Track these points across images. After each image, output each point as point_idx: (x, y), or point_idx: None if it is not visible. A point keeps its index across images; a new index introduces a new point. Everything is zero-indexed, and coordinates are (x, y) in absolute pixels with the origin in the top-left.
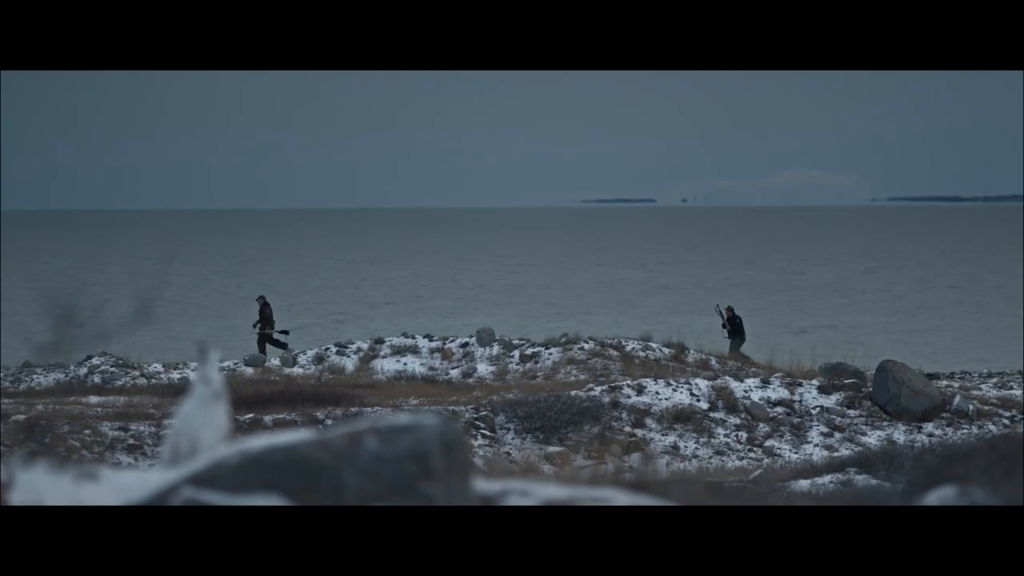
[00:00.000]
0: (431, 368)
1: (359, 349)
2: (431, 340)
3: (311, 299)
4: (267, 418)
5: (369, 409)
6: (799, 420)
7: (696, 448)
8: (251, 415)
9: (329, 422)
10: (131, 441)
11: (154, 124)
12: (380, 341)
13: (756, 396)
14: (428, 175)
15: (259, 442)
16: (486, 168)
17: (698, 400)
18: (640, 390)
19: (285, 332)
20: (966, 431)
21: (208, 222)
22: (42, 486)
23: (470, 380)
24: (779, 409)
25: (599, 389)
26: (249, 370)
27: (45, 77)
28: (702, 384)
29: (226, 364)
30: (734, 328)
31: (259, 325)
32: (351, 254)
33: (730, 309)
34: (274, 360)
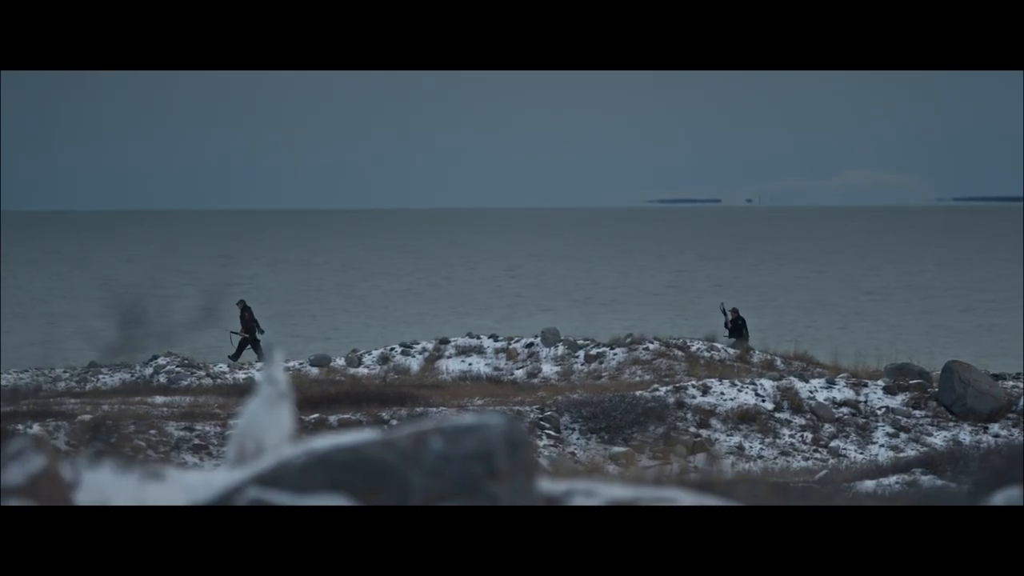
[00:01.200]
0: (496, 368)
1: (424, 349)
2: (496, 340)
3: (386, 300)
4: (332, 418)
5: (434, 409)
6: (864, 421)
7: (761, 449)
8: (316, 415)
9: (394, 422)
10: (196, 441)
11: (168, 124)
12: (445, 341)
13: (821, 396)
14: (490, 175)
15: (324, 442)
16: (548, 168)
17: (763, 400)
18: (705, 390)
19: (261, 331)
20: None
21: (236, 222)
22: (108, 486)
23: (535, 380)
24: (844, 410)
25: (664, 389)
26: (314, 370)
27: (56, 77)
28: (767, 384)
29: (291, 364)
30: (735, 329)
31: (239, 329)
32: (420, 253)
33: (735, 311)
34: (339, 360)
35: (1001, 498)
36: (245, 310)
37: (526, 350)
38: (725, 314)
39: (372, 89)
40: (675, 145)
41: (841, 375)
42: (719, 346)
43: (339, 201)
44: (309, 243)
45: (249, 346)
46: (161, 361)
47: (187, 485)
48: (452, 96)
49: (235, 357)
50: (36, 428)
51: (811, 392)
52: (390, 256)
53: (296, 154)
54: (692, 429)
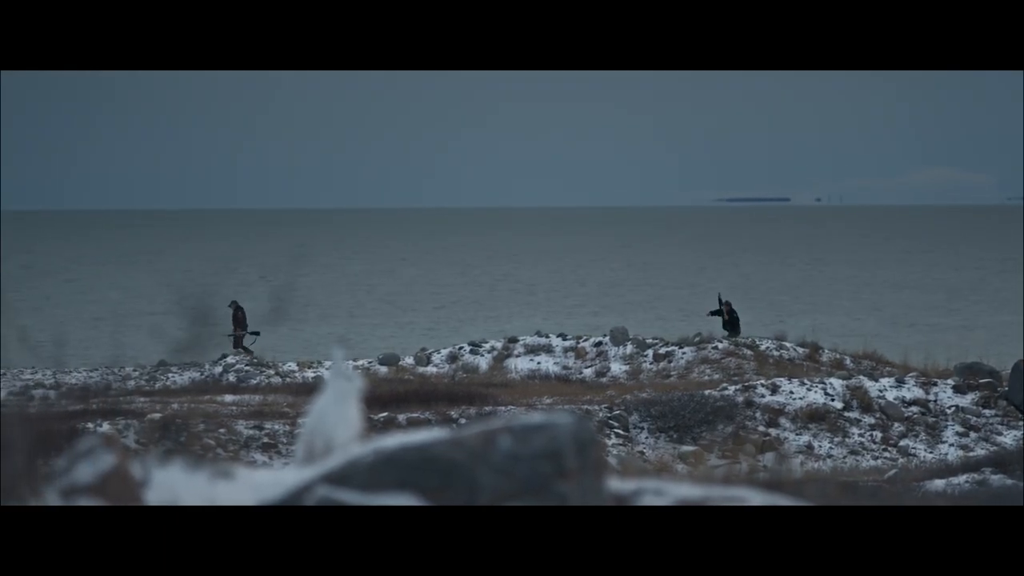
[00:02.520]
0: (565, 367)
1: (493, 348)
2: (565, 339)
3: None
4: (401, 417)
5: (503, 408)
6: (934, 420)
7: (830, 448)
8: (385, 414)
9: (463, 421)
10: (265, 439)
11: (183, 123)
12: (514, 340)
13: (891, 396)
14: (564, 174)
15: (393, 441)
16: (618, 167)
17: (832, 399)
18: (774, 389)
19: (256, 333)
20: None
21: (267, 222)
22: (177, 484)
23: (604, 379)
24: (914, 409)
25: (733, 388)
26: (383, 369)
27: (56, 78)
28: (836, 383)
29: (360, 363)
30: (730, 323)
31: (233, 329)
32: (492, 253)
33: (728, 303)
34: (408, 359)
35: None
36: (238, 310)
37: (595, 349)
38: (721, 306)
39: (433, 87)
40: (742, 144)
41: (911, 374)
42: (788, 345)
43: (380, 200)
44: (363, 241)
45: (239, 345)
46: (230, 360)
47: (256, 484)
48: (517, 95)
49: (244, 349)
50: (106, 427)
51: (880, 391)
52: (470, 253)
53: (310, 154)
54: (761, 428)
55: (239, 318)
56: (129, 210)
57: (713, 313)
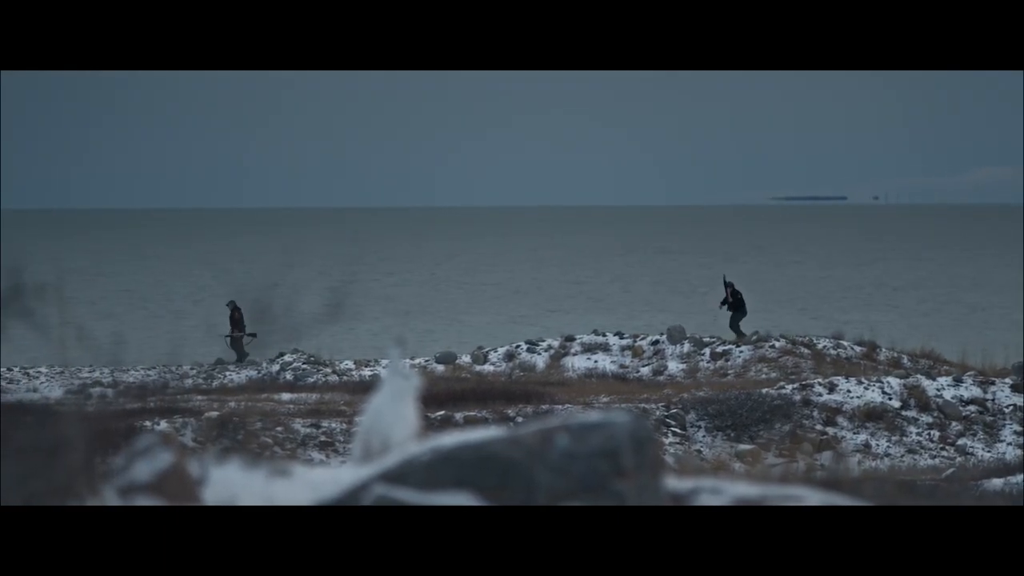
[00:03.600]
0: (621, 366)
1: (550, 347)
2: (622, 338)
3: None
4: (458, 415)
5: (560, 406)
6: (992, 419)
7: (888, 447)
8: (442, 412)
9: (520, 419)
10: (323, 438)
11: (197, 123)
12: (571, 339)
13: (948, 395)
14: (615, 173)
15: (450, 439)
16: (673, 165)
17: (890, 398)
18: (831, 388)
19: (252, 335)
20: None
21: (298, 221)
22: (235, 483)
23: (661, 378)
24: (972, 407)
25: (790, 387)
26: (440, 367)
27: (83, 77)
28: (894, 382)
29: (417, 361)
30: (735, 303)
31: (231, 330)
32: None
33: (731, 284)
34: (465, 357)
35: None
36: (235, 311)
37: (652, 348)
38: (727, 288)
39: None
40: (795, 142)
41: (968, 373)
42: (845, 343)
43: (395, 199)
44: (402, 241)
45: (233, 346)
46: (287, 358)
47: (313, 482)
48: (572, 93)
49: (241, 359)
50: (164, 425)
51: (938, 390)
52: (527, 251)
53: (315, 154)
54: (818, 427)
55: (236, 319)
56: (153, 209)
57: (725, 303)
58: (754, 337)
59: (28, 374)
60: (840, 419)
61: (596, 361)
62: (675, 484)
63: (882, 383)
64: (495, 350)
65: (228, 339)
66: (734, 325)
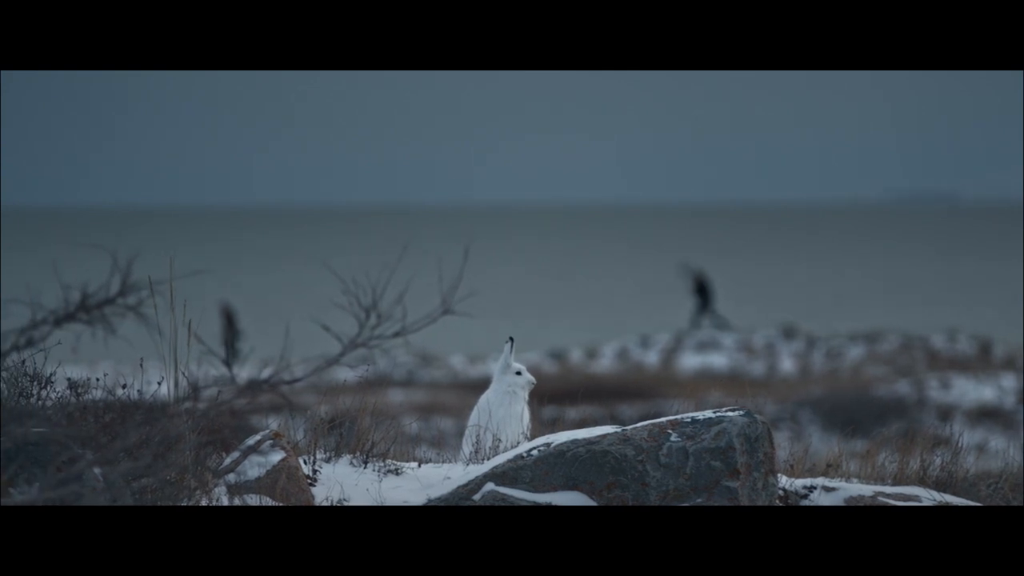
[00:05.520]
0: (734, 363)
1: (662, 344)
2: (734, 335)
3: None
4: (569, 412)
5: (671, 404)
6: None
7: (1003, 446)
8: (553, 409)
9: (631, 417)
10: (434, 436)
11: (210, 120)
12: (683, 336)
13: None
14: (714, 166)
15: (562, 436)
16: (776, 158)
17: (1006, 397)
18: (946, 386)
19: (238, 334)
20: None
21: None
22: (345, 480)
23: (773, 376)
24: None
25: (904, 385)
26: (551, 363)
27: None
28: (1010, 380)
29: (528, 357)
30: (702, 295)
31: (227, 333)
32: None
33: (698, 274)
34: (576, 354)
35: None
36: (227, 311)
37: (764, 345)
38: (694, 281)
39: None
40: (908, 138)
41: None
42: (961, 340)
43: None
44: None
45: (228, 347)
46: (399, 356)
47: (424, 480)
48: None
49: (230, 362)
50: (274, 422)
51: None
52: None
53: (346, 152)
54: (933, 425)
55: (228, 320)
56: (203, 204)
57: (697, 294)
58: (868, 335)
59: (139, 370)
60: (955, 417)
61: (708, 358)
62: (787, 482)
63: (998, 381)
64: (607, 346)
65: (225, 341)
66: (699, 316)
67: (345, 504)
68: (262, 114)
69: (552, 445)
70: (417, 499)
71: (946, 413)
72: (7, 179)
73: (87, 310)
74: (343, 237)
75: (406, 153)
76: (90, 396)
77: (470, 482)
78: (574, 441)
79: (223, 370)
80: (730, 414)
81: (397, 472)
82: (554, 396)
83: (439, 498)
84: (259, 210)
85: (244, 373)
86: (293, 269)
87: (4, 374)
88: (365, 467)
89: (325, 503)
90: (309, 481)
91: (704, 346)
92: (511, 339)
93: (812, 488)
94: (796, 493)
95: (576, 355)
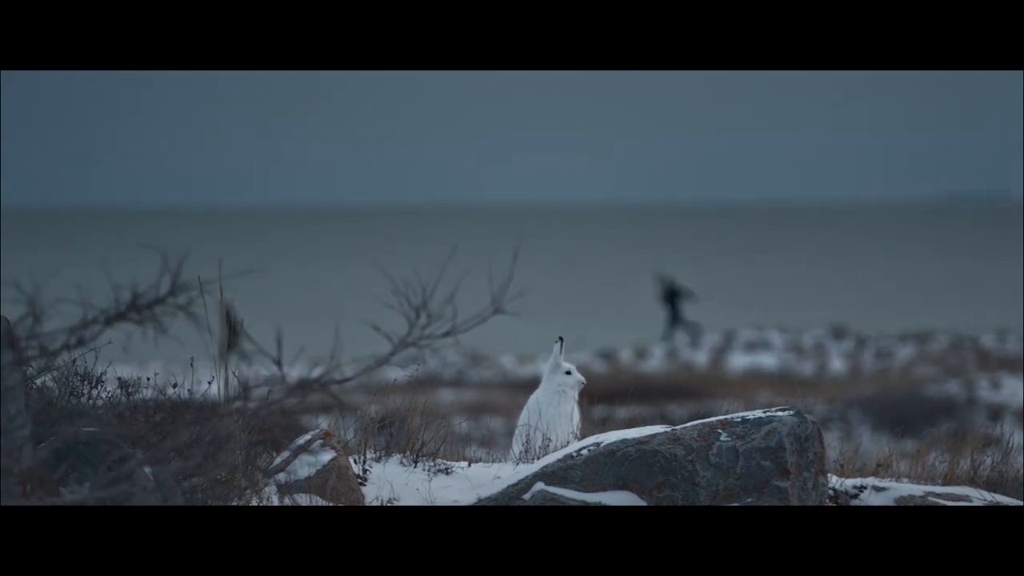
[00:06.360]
0: (783, 362)
1: (711, 343)
2: (783, 334)
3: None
4: (619, 412)
5: (721, 403)
6: None
7: None
8: (602, 409)
9: (681, 416)
10: (484, 435)
11: (211, 120)
12: (732, 335)
13: None
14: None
15: (612, 436)
16: (820, 158)
17: None
18: (997, 386)
19: (235, 334)
20: None
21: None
22: (395, 479)
23: (823, 375)
24: None
25: (955, 385)
26: (601, 363)
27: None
28: None
29: (578, 357)
30: (672, 304)
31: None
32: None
33: (669, 282)
34: (626, 353)
35: None
36: (229, 313)
37: (814, 345)
38: (665, 290)
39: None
40: (957, 135)
41: None
42: (1012, 340)
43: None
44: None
45: (229, 349)
46: (449, 355)
47: (474, 479)
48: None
49: (230, 350)
50: (325, 422)
51: None
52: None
53: (366, 152)
54: (983, 425)
55: (229, 322)
56: (220, 204)
57: (667, 302)
58: (918, 335)
59: (189, 370)
60: (1005, 417)
61: (757, 358)
62: (837, 482)
63: None
64: (656, 346)
65: (227, 344)
66: (671, 325)
67: (395, 504)
68: (275, 114)
69: (602, 445)
70: (467, 499)
71: (996, 413)
72: (7, 179)
73: (138, 309)
74: (383, 237)
75: (423, 153)
76: (141, 395)
77: (520, 482)
78: (624, 441)
79: (274, 369)
80: (780, 414)
81: (447, 472)
82: (604, 396)
83: (489, 498)
84: (273, 210)
85: (295, 372)
86: (344, 268)
87: (55, 373)
88: (415, 467)
89: (375, 503)
90: (359, 481)
91: (753, 346)
92: (560, 339)
93: (862, 488)
94: (846, 493)
95: (626, 355)
